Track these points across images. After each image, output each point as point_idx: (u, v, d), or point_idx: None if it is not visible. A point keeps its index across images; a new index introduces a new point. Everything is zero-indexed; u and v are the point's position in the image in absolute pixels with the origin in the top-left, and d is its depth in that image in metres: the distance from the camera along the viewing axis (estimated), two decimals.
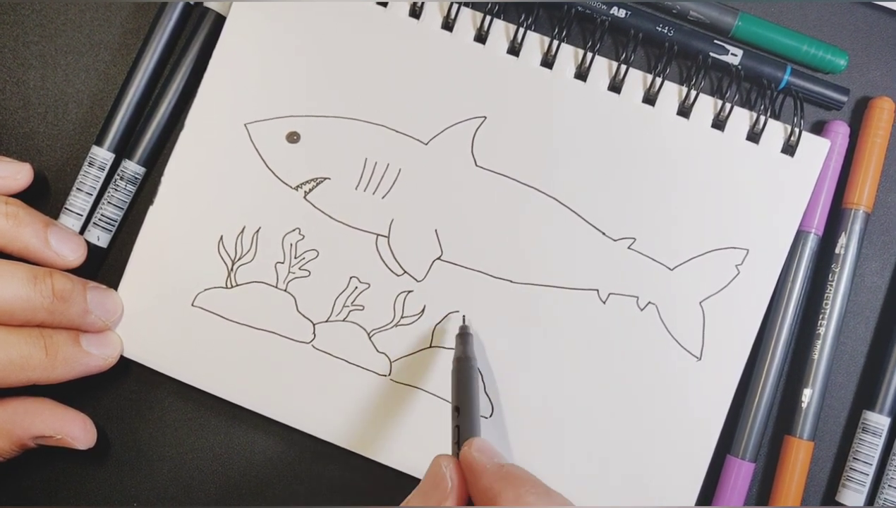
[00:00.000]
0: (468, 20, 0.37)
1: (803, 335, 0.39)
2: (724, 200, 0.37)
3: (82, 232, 0.38)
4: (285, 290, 0.37)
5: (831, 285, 0.38)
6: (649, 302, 0.37)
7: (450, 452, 0.32)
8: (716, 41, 0.38)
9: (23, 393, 0.35)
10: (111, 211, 0.38)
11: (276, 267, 0.37)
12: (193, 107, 0.38)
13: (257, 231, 0.37)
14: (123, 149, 0.38)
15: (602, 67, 0.37)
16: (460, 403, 0.32)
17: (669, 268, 0.37)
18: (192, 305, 0.37)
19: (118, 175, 0.38)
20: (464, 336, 0.36)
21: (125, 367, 0.38)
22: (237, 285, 0.37)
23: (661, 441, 0.37)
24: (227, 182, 0.37)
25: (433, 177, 0.37)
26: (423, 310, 0.37)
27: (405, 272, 0.37)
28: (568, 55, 0.37)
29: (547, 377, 0.37)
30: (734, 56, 0.38)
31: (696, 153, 0.37)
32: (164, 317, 0.37)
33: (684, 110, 0.37)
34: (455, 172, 0.37)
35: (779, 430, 0.39)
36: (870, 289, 0.39)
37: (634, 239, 0.37)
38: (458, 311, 0.37)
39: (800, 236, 0.38)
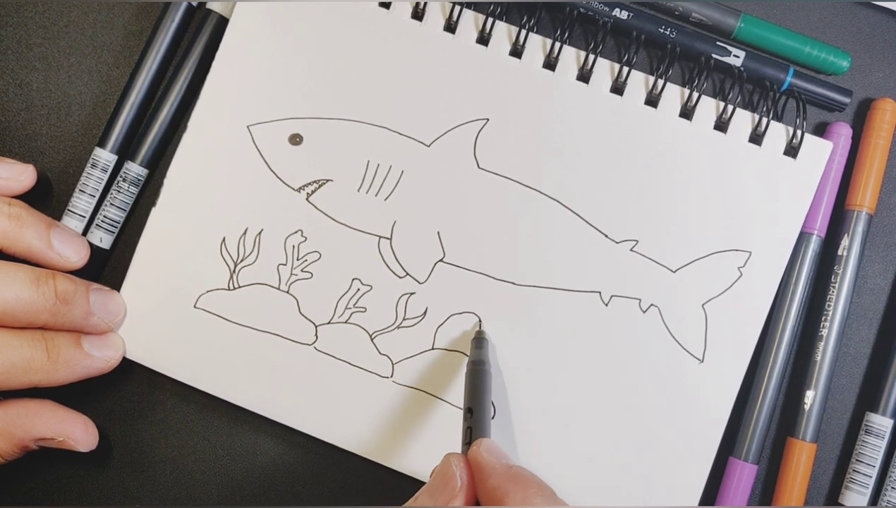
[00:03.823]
0: (470, 22, 0.37)
1: (806, 337, 0.39)
2: (726, 202, 0.37)
3: (85, 233, 0.38)
4: (287, 292, 0.37)
5: (834, 287, 0.38)
6: (652, 305, 0.37)
7: (458, 451, 0.32)
8: (718, 43, 0.38)
9: (24, 394, 0.35)
10: (114, 212, 0.38)
11: (278, 268, 0.37)
12: (196, 109, 0.38)
13: (259, 233, 0.37)
14: (126, 151, 0.38)
15: (604, 69, 0.37)
16: (473, 405, 0.32)
17: (672, 271, 0.37)
18: (195, 307, 0.37)
19: (121, 176, 0.38)
20: (479, 340, 0.36)
21: (127, 369, 0.38)
22: (239, 287, 0.37)
23: (663, 443, 0.37)
24: (229, 184, 0.37)
25: (435, 180, 0.37)
26: (425, 312, 0.37)
27: (407, 274, 0.37)
28: (570, 57, 0.37)
29: (549, 379, 0.37)
30: (736, 58, 0.38)
31: (698, 155, 0.37)
32: (167, 319, 0.37)
33: (686, 112, 0.37)
34: (457, 174, 0.37)
35: (781, 432, 0.39)
36: (872, 291, 0.39)
37: (637, 241, 0.37)
38: (460, 313, 0.37)
39: (802, 238, 0.38)
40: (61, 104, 0.39)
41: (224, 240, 0.37)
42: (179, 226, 0.37)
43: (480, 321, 0.37)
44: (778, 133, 0.37)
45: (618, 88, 0.37)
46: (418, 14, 0.37)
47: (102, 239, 0.38)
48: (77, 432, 0.36)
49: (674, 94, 0.37)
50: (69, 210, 0.38)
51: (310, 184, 0.37)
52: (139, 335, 0.37)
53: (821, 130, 0.39)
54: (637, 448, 0.37)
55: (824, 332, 0.38)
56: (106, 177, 0.38)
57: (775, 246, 0.37)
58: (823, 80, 0.39)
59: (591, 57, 0.37)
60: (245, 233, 0.37)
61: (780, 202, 0.37)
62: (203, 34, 0.38)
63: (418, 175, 0.37)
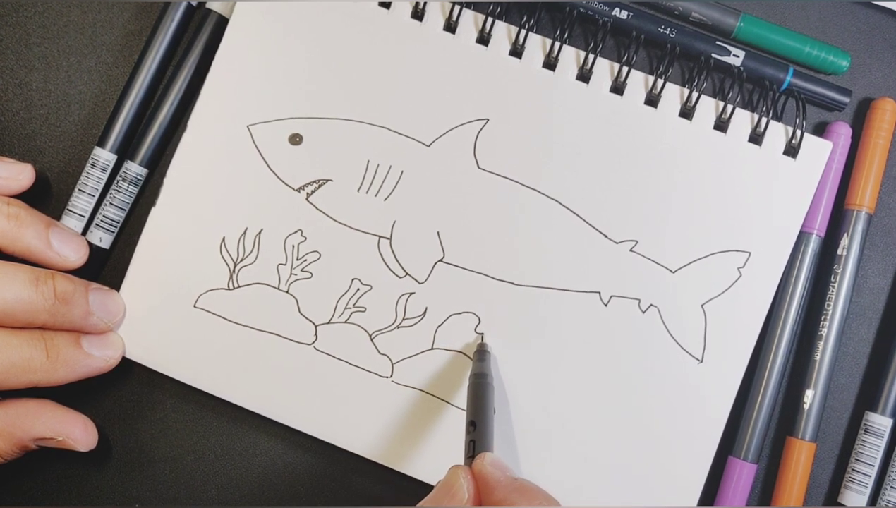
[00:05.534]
0: (470, 22, 0.37)
1: (805, 336, 0.39)
2: (726, 202, 0.37)
3: (84, 233, 0.38)
4: (287, 292, 0.37)
5: (833, 286, 0.38)
6: (651, 305, 0.37)
7: (460, 462, 0.31)
8: (718, 42, 0.38)
9: (24, 394, 0.35)
10: (113, 212, 0.38)
11: (278, 268, 0.37)
12: (196, 109, 0.38)
13: (259, 232, 0.37)
14: (126, 151, 0.38)
15: (604, 69, 0.37)
16: (476, 418, 0.32)
17: (671, 271, 0.37)
18: (194, 306, 0.37)
19: (120, 176, 0.38)
20: (481, 353, 0.36)
21: (127, 369, 0.38)
22: (239, 286, 0.37)
23: (663, 442, 0.37)
24: (229, 183, 0.37)
25: (435, 180, 0.37)
26: (424, 312, 0.37)
27: (407, 274, 0.37)
28: (570, 57, 0.37)
29: (548, 379, 0.37)
30: (736, 57, 0.38)
31: (697, 155, 0.37)
32: (166, 319, 0.37)
33: (686, 112, 0.37)
34: (457, 174, 0.37)
35: (781, 431, 0.39)
36: (872, 291, 0.39)
37: (636, 241, 0.37)
38: (459, 313, 0.37)
39: (802, 237, 0.38)
40: (61, 103, 0.39)
41: (224, 239, 0.37)
42: (179, 226, 0.37)
43: (483, 335, 0.37)
44: (778, 133, 0.37)
45: (618, 88, 0.37)
46: (418, 14, 0.37)
47: (102, 238, 0.38)
48: (77, 432, 0.36)
49: (674, 94, 0.37)
50: (69, 209, 0.38)
51: (310, 183, 0.37)
52: (138, 334, 0.37)
53: (820, 130, 0.39)
54: (636, 447, 0.37)
55: (824, 332, 0.38)
56: (105, 176, 0.38)
57: (775, 245, 0.37)
58: (823, 80, 0.39)
59: (591, 57, 0.37)
60: (245, 232, 0.37)
61: (779, 202, 0.37)
62: (203, 34, 0.38)
63: (418, 175, 0.37)
